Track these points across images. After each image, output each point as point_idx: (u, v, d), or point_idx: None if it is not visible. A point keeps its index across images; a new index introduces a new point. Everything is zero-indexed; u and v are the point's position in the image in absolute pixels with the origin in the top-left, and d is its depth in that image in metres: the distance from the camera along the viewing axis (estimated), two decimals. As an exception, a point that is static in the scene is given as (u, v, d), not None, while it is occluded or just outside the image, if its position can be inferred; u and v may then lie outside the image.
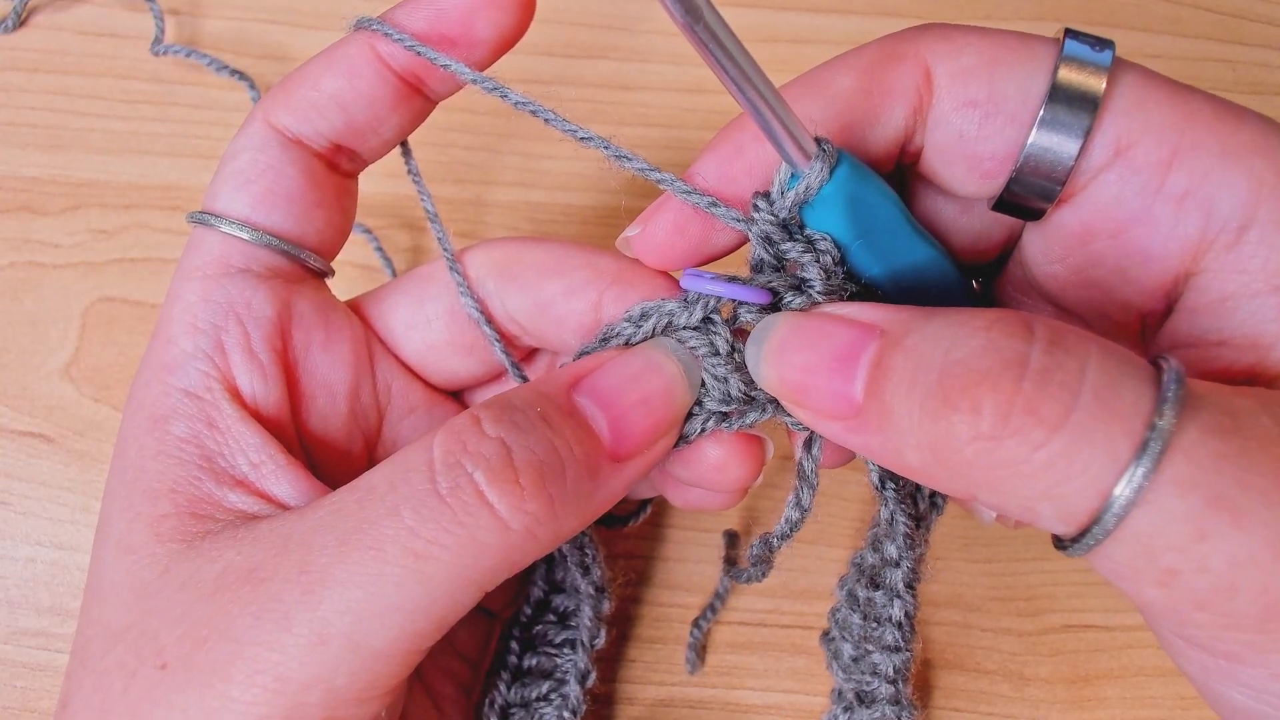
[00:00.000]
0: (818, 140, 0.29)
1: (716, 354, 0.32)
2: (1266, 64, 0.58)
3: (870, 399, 0.27)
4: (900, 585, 0.36)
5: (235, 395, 0.32)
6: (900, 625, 0.36)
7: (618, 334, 0.33)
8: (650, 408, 0.31)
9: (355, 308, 0.38)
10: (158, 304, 0.52)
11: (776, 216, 0.31)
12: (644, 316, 0.33)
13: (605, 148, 0.32)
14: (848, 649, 0.39)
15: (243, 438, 0.32)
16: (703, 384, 0.32)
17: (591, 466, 0.29)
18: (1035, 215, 0.31)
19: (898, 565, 0.35)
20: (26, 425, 0.50)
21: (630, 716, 0.47)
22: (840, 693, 0.40)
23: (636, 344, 0.33)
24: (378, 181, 0.54)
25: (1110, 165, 0.29)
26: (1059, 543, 0.26)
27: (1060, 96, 0.29)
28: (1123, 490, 0.22)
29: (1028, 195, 0.30)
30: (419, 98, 0.35)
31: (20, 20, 0.57)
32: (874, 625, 0.37)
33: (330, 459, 0.35)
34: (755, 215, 0.31)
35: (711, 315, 0.32)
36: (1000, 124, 0.30)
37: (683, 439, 0.33)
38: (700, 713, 0.47)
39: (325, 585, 0.27)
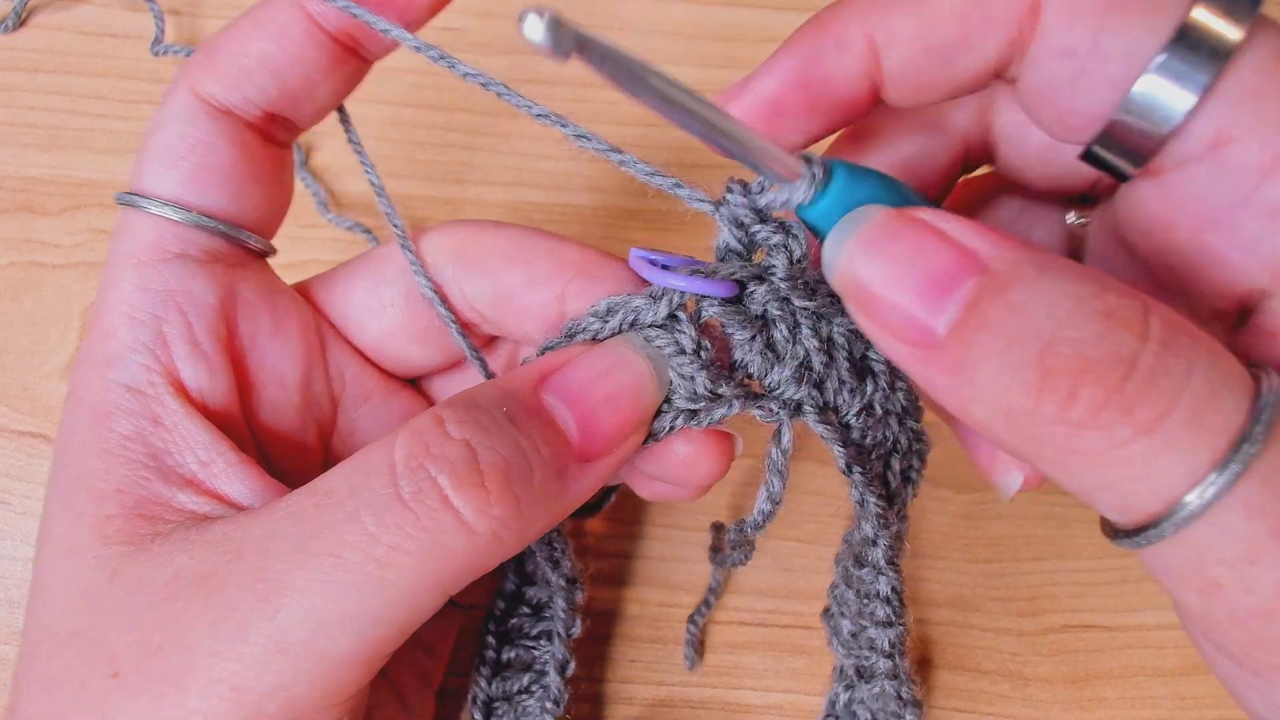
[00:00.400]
0: (807, 159, 0.28)
1: (683, 352, 0.31)
2: (1266, 64, 0.58)
3: (954, 341, 0.24)
4: (882, 562, 0.35)
5: (180, 389, 0.31)
6: (889, 600, 0.36)
7: (583, 329, 0.32)
8: (618, 405, 0.30)
9: (304, 292, 0.37)
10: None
11: (750, 204, 0.30)
12: (610, 312, 0.32)
13: (563, 126, 0.30)
14: (846, 625, 0.39)
15: (190, 435, 0.30)
16: (670, 381, 0.32)
17: (559, 467, 0.28)
18: (1121, 179, 0.29)
19: (875, 544, 0.35)
20: (26, 425, 0.50)
21: (630, 716, 0.47)
22: (842, 670, 0.40)
23: (603, 340, 0.32)
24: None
25: (1203, 157, 0.26)
26: (1110, 530, 0.25)
27: (1171, 66, 0.25)
28: (1192, 501, 0.22)
29: (1112, 160, 0.28)
30: (355, 59, 0.33)
31: (20, 20, 0.57)
32: (866, 601, 0.37)
33: (284, 452, 0.34)
34: (728, 198, 0.30)
35: (676, 312, 0.31)
36: (1096, 84, 0.27)
37: (651, 436, 0.32)
38: (700, 713, 0.47)
39: (283, 593, 0.26)
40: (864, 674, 0.39)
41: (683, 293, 0.31)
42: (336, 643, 0.26)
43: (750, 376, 0.32)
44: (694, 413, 0.32)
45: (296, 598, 0.26)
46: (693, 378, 0.31)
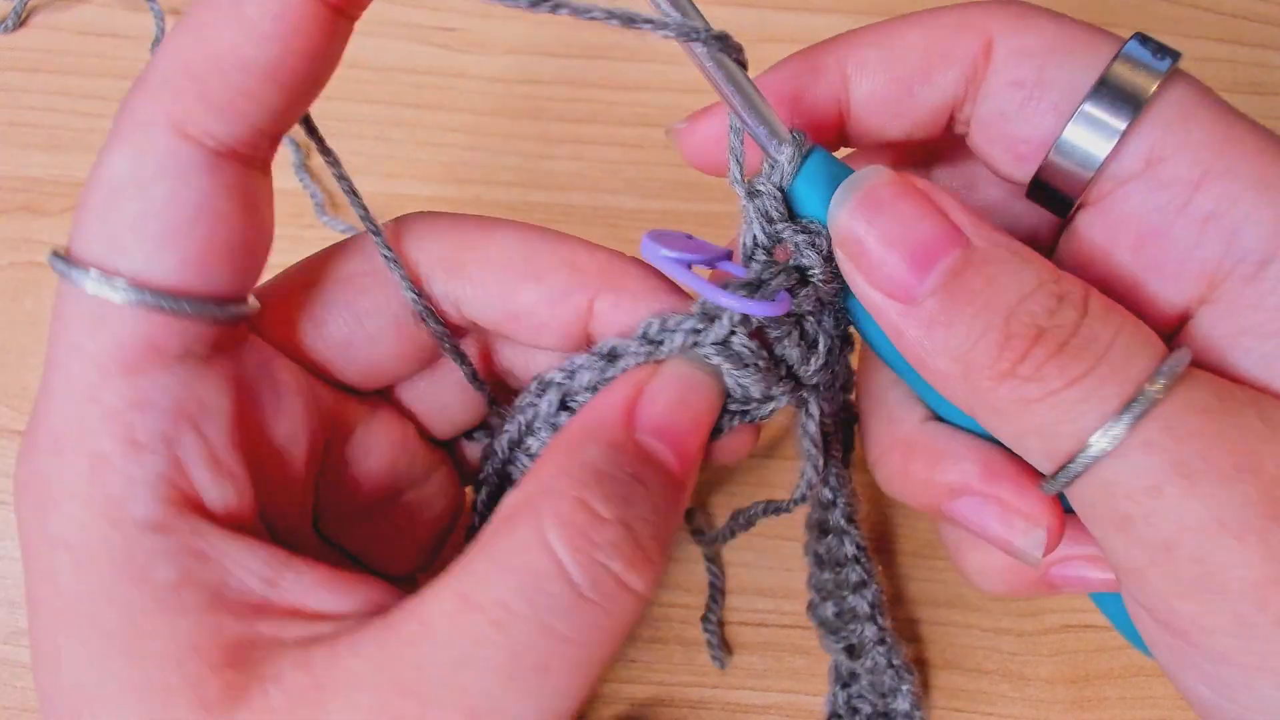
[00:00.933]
0: (792, 131, 0.30)
1: (744, 366, 0.31)
2: (1266, 64, 0.58)
3: (934, 301, 0.28)
4: (842, 522, 0.37)
5: (205, 514, 0.27)
6: (856, 559, 0.38)
7: (631, 353, 0.32)
8: (699, 426, 0.31)
9: (268, 324, 0.31)
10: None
11: (779, 191, 0.31)
12: (663, 331, 0.32)
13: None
14: (830, 608, 0.40)
15: (243, 559, 0.27)
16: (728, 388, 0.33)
17: (677, 504, 0.30)
18: (1063, 210, 0.32)
19: (835, 505, 0.37)
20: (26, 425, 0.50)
21: (630, 716, 0.47)
22: (836, 668, 0.41)
23: (658, 360, 0.32)
24: (377, 182, 0.54)
25: (1138, 175, 0.29)
26: (1043, 480, 0.29)
27: (1104, 95, 0.29)
28: (1099, 439, 0.26)
29: (1056, 188, 0.31)
30: (345, 22, 0.27)
31: (20, 20, 0.57)
32: (839, 569, 0.39)
33: (281, 509, 0.32)
34: (761, 189, 0.31)
35: (736, 329, 0.31)
36: (1041, 109, 0.30)
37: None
38: (700, 713, 0.47)
39: (494, 718, 0.26)
40: (854, 652, 0.40)
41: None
42: None
43: (790, 368, 0.33)
44: (746, 412, 0.33)
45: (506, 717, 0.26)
46: (750, 386, 0.32)
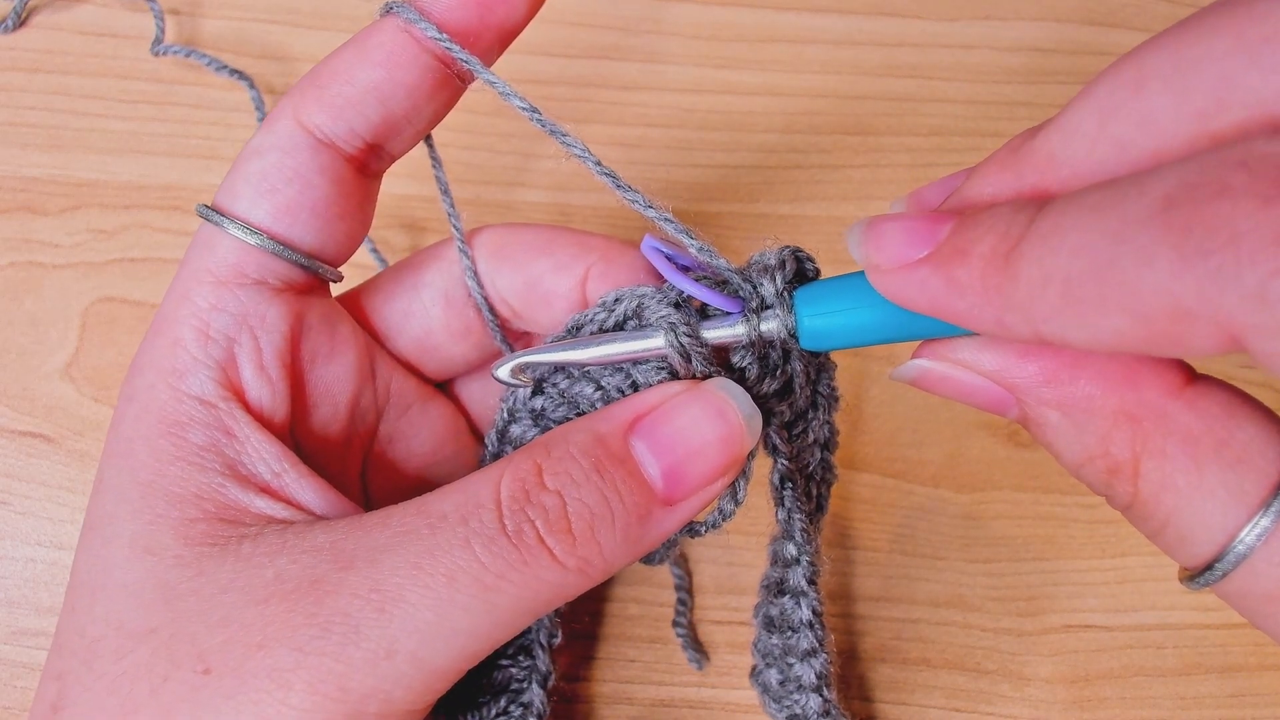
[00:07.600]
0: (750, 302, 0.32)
1: (686, 321, 0.32)
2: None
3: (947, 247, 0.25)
4: (804, 583, 0.36)
5: (245, 406, 0.33)
6: (811, 625, 0.36)
7: (590, 319, 0.34)
8: (707, 456, 0.31)
9: (353, 300, 0.38)
10: (158, 304, 0.52)
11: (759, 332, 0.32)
12: (617, 301, 0.34)
13: (619, 187, 0.33)
14: (774, 675, 0.39)
15: (261, 447, 0.32)
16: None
17: (641, 514, 0.30)
18: None
19: (798, 562, 0.36)
20: (26, 425, 0.50)
21: (630, 716, 0.47)
22: None
23: (609, 327, 0.34)
24: (377, 181, 0.54)
25: None
26: (1188, 579, 0.27)
27: None
28: (1247, 535, 0.25)
29: None
30: (455, 81, 0.34)
31: (20, 20, 0.57)
32: (789, 635, 0.38)
33: (325, 460, 0.36)
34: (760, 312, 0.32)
35: (682, 302, 0.33)
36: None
37: None
38: (700, 713, 0.47)
39: (398, 605, 0.28)
40: None
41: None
42: (438, 654, 0.28)
43: (745, 381, 0.33)
44: None
45: (411, 610, 0.28)
46: (690, 354, 0.32)
